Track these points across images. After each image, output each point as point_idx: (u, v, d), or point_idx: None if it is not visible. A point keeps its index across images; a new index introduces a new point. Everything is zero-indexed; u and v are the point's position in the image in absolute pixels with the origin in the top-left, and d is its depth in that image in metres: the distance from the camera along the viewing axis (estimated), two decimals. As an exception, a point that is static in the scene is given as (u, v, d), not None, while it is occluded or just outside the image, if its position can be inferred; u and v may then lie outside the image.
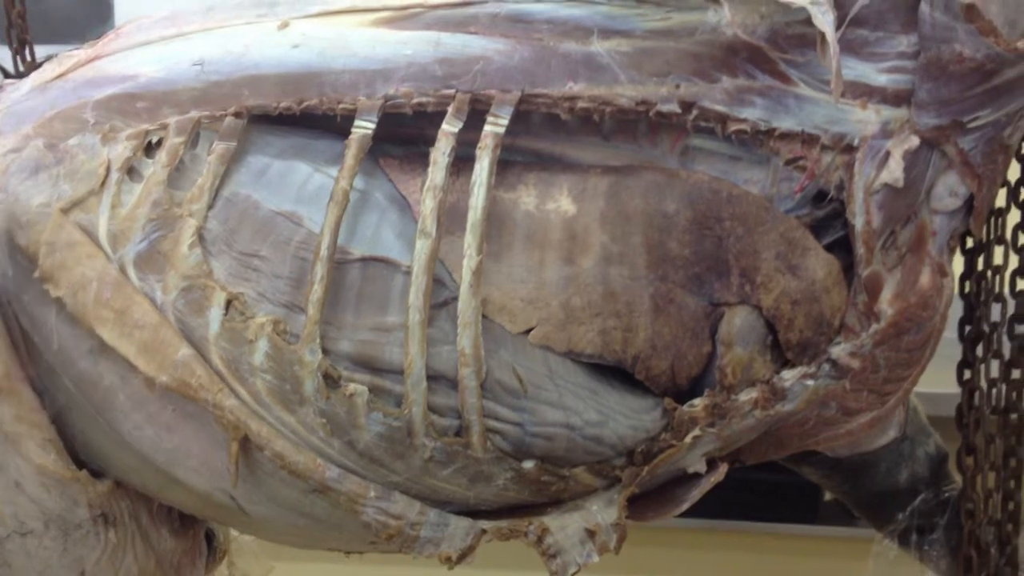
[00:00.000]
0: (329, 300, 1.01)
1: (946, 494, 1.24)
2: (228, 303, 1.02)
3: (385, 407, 1.02)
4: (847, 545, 1.92)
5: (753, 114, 1.06)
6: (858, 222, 1.06)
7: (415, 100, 1.06)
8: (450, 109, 1.05)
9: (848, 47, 1.05)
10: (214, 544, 1.28)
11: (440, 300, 1.02)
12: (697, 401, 1.05)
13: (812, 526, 1.96)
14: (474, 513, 1.07)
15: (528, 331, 1.03)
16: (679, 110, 1.05)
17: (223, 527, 1.29)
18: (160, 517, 1.17)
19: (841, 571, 1.94)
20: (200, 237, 1.03)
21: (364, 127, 1.05)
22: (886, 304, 1.08)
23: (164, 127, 1.06)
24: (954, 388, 1.24)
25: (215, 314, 1.02)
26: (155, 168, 1.05)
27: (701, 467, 1.08)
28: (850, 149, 1.06)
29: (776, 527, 1.93)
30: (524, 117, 1.06)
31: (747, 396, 1.06)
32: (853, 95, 1.06)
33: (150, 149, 1.06)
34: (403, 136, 1.08)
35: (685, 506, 1.07)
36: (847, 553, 1.92)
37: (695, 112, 1.05)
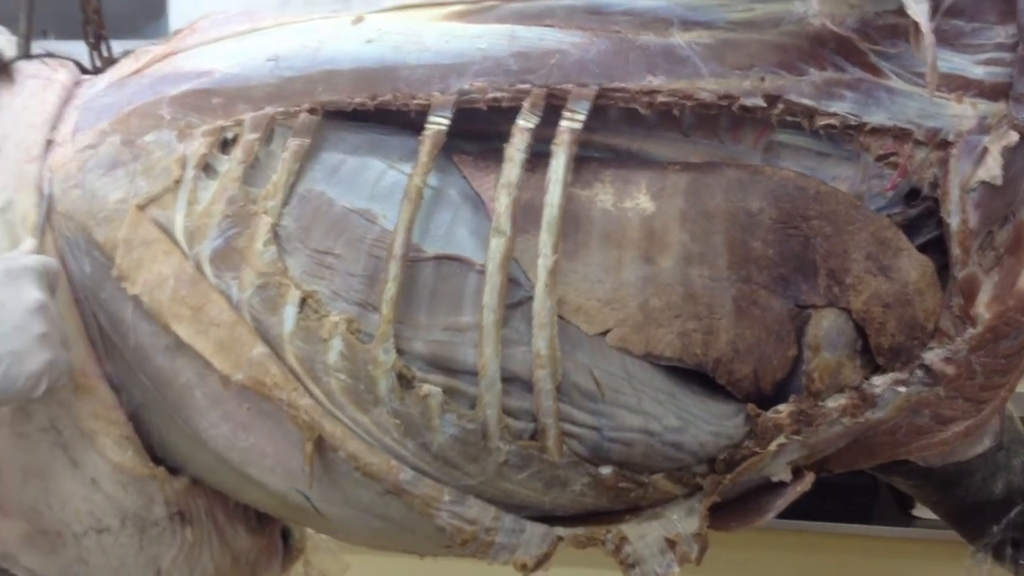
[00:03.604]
0: (403, 299, 1.00)
1: (1044, 506, 1.19)
2: (303, 301, 1.01)
3: (459, 409, 1.00)
4: (902, 545, 1.88)
5: (842, 108, 1.02)
6: (953, 221, 1.01)
7: (489, 95, 1.04)
8: (525, 104, 1.02)
9: (943, 38, 1.01)
10: (290, 542, 1.27)
11: (515, 300, 1.00)
12: (782, 407, 1.02)
13: (867, 526, 1.92)
14: (549, 519, 1.05)
15: (605, 333, 1.00)
16: (764, 104, 1.02)
17: (293, 524, 1.29)
18: (236, 515, 1.17)
19: (896, 571, 1.90)
20: (275, 234, 1.02)
21: (438, 123, 1.03)
22: (983, 308, 1.03)
23: (239, 123, 1.05)
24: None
25: (290, 312, 1.01)
26: (231, 165, 1.04)
27: (786, 476, 1.04)
28: (945, 145, 1.01)
29: (831, 527, 1.90)
30: (600, 112, 1.03)
31: (835, 403, 1.02)
32: (948, 88, 1.01)
33: (225, 145, 1.06)
34: (476, 132, 1.06)
35: (770, 516, 1.03)
36: (902, 553, 1.87)
37: (781, 106, 1.02)
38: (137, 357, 1.06)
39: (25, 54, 1.19)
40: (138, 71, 1.13)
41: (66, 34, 1.50)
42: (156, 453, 1.10)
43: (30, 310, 0.96)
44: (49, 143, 1.09)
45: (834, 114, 1.01)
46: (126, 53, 1.19)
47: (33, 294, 0.97)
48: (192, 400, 1.05)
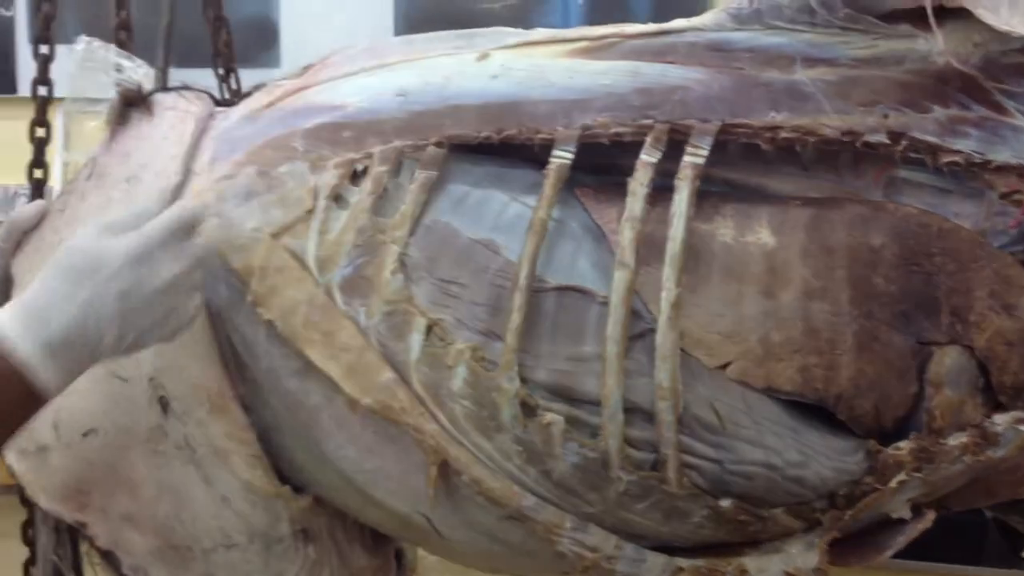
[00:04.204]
0: (526, 329, 1.02)
1: None
2: (428, 329, 1.04)
3: (581, 438, 1.01)
4: (1012, 587, 1.84)
5: (967, 145, 1.02)
6: (1079, 260, 1.01)
7: (612, 130, 1.06)
8: (648, 139, 1.04)
9: (1072, 76, 1.00)
10: (403, 562, 1.30)
11: (637, 332, 1.02)
12: (903, 444, 1.01)
13: (977, 567, 1.88)
14: (668, 549, 1.06)
15: (725, 366, 1.01)
16: (888, 141, 1.02)
17: (412, 545, 1.32)
18: (354, 534, 1.20)
19: (1006, 614, 1.85)
20: (402, 263, 1.05)
21: (562, 157, 1.06)
22: (1108, 346, 1.02)
23: (369, 156, 1.09)
24: None
25: (416, 339, 1.04)
26: (361, 196, 1.08)
27: (906, 513, 1.04)
28: (1072, 183, 1.01)
29: (940, 567, 1.85)
30: (719, 146, 1.05)
31: (956, 440, 1.01)
32: (1076, 127, 1.01)
33: (356, 177, 1.09)
34: (597, 165, 1.09)
35: (889, 553, 1.03)
36: (1012, 594, 1.83)
37: (904, 143, 1.02)
38: (268, 379, 1.10)
39: (163, 86, 1.25)
40: (271, 104, 1.17)
41: (182, 62, 1.57)
42: (282, 472, 1.14)
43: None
44: (187, 173, 1.14)
45: (958, 152, 1.02)
46: (258, 87, 1.24)
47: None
48: (320, 422, 1.09)
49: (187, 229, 1.03)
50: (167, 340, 1.03)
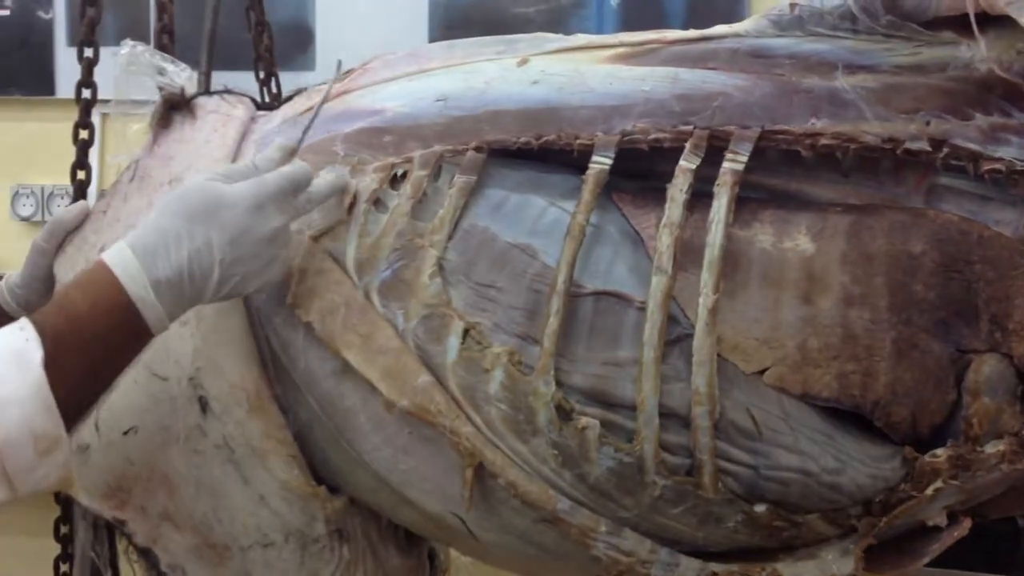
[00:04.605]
0: (562, 333, 1.03)
1: None
2: (465, 332, 1.04)
3: (616, 442, 1.02)
4: (1049, 597, 1.81)
5: (1008, 153, 1.01)
6: (1120, 269, 1.00)
7: (652, 136, 1.06)
8: (688, 145, 1.05)
9: (1115, 84, 1.00)
10: (436, 562, 1.31)
11: (673, 337, 1.02)
12: (940, 451, 1.01)
13: None
14: (703, 554, 1.06)
15: (762, 372, 1.01)
16: (929, 148, 1.02)
17: (445, 546, 1.32)
18: (388, 534, 1.21)
19: (1046, 625, 1.83)
20: (440, 267, 1.06)
21: (601, 163, 1.06)
22: None
23: (409, 160, 1.10)
24: None
25: (453, 343, 1.05)
26: (400, 200, 1.09)
27: (942, 520, 1.03)
28: (1114, 192, 1.00)
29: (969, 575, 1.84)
30: (759, 153, 1.05)
31: (993, 448, 1.01)
32: (1119, 135, 1.00)
33: (395, 181, 1.10)
34: (634, 170, 1.09)
35: (924, 560, 1.03)
36: (1050, 604, 1.81)
37: (946, 150, 1.02)
38: (305, 380, 1.11)
39: (206, 90, 1.26)
40: (311, 109, 1.18)
41: (222, 66, 1.58)
42: (318, 472, 1.15)
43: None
44: (229, 176, 1.15)
45: (1000, 159, 1.01)
46: (299, 91, 1.25)
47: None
48: (356, 423, 1.10)
49: (298, 187, 1.05)
50: (261, 288, 1.06)
